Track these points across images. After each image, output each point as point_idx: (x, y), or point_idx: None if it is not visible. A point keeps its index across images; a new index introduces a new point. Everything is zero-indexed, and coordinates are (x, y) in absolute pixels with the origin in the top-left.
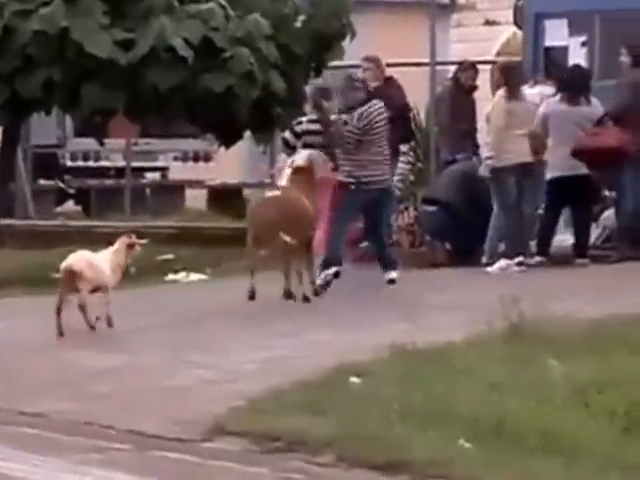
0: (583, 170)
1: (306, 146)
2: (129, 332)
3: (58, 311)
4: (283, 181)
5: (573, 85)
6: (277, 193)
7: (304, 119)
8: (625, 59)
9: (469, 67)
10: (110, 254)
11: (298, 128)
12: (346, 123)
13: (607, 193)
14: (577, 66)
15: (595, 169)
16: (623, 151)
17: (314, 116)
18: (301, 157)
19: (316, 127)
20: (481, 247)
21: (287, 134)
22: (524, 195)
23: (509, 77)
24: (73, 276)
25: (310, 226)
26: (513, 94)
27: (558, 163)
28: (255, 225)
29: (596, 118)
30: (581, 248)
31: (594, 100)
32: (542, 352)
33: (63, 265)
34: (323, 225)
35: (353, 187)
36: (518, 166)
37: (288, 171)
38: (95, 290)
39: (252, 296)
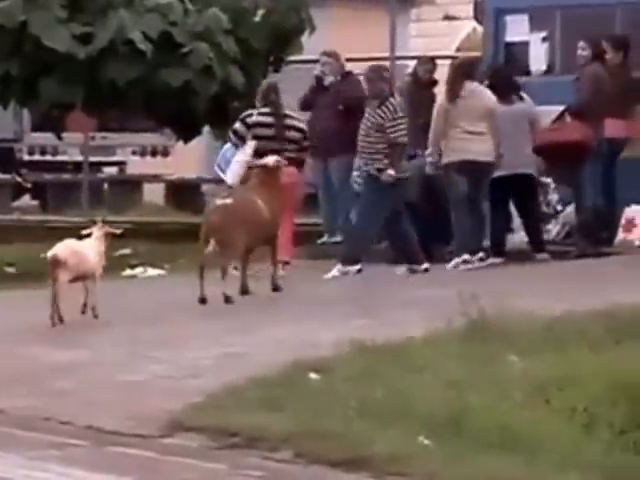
0: (523, 169)
1: (255, 138)
2: (87, 327)
3: (54, 301)
4: (234, 179)
5: (501, 85)
6: (229, 201)
7: (255, 111)
8: (584, 53)
9: (427, 61)
10: (94, 243)
11: (249, 120)
12: (393, 119)
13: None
14: (499, 66)
15: (556, 165)
16: (585, 146)
17: (266, 109)
18: (271, 158)
19: (267, 120)
20: (441, 244)
21: (237, 125)
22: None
23: (452, 75)
24: (56, 265)
25: (270, 229)
26: (453, 92)
27: (505, 160)
28: (209, 232)
29: (532, 116)
30: (537, 244)
31: (527, 98)
32: (502, 348)
33: (49, 254)
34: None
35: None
36: (463, 163)
37: (237, 167)
38: (78, 279)
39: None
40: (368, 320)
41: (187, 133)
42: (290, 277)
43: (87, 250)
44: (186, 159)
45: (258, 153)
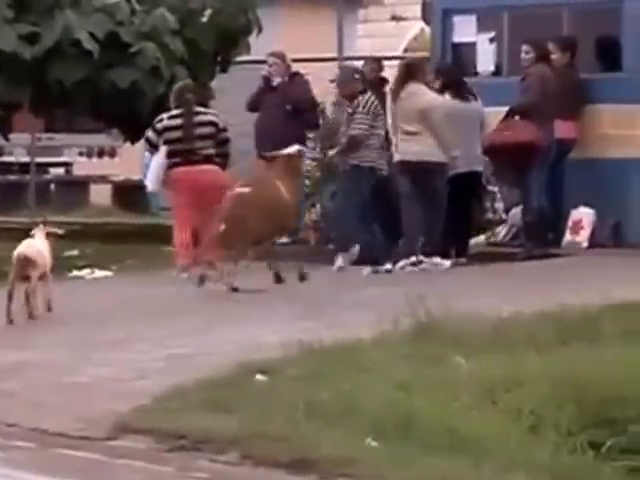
0: (477, 167)
1: (166, 142)
2: (34, 328)
3: (10, 298)
4: (152, 185)
5: (455, 84)
6: (246, 189)
7: (165, 115)
8: (528, 56)
9: (371, 60)
10: (43, 242)
11: (159, 125)
12: (352, 113)
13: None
14: (448, 65)
15: (504, 166)
16: (534, 147)
17: (176, 111)
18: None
19: (175, 122)
20: (392, 244)
21: (149, 132)
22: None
23: (397, 76)
24: (27, 263)
25: (288, 217)
26: (395, 93)
27: (461, 159)
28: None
29: (483, 116)
30: (463, 246)
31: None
32: (449, 350)
33: (16, 253)
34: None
35: (368, 171)
36: (402, 164)
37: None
38: (41, 277)
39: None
40: (316, 321)
41: (134, 134)
42: (239, 278)
43: (44, 250)
44: (133, 160)
45: (171, 155)
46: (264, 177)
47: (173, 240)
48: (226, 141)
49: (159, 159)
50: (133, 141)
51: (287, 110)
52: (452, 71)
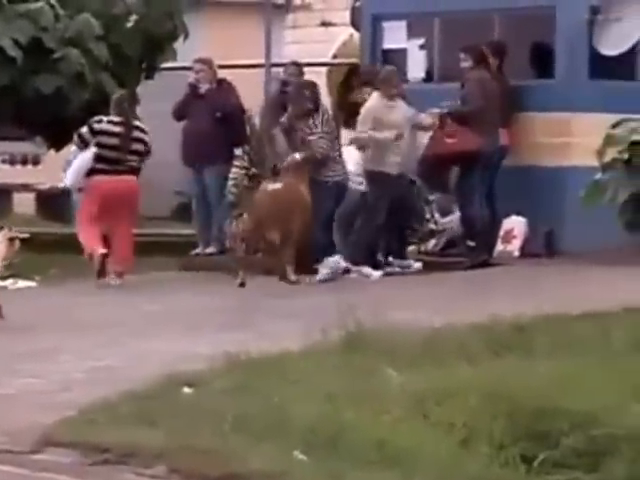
0: (412, 174)
1: (99, 145)
2: None
3: None
4: (72, 181)
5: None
6: (279, 186)
7: (105, 118)
8: (466, 63)
9: (289, 65)
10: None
11: (96, 126)
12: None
13: (432, 197)
14: (373, 65)
15: (445, 174)
16: (478, 154)
17: (117, 118)
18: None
19: (115, 129)
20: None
21: (84, 129)
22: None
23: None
24: None
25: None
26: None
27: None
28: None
29: (413, 119)
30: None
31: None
32: (379, 362)
33: None
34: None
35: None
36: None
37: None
38: None
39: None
40: (244, 332)
41: (58, 141)
42: (165, 289)
43: None
44: (57, 168)
45: (100, 159)
46: (290, 180)
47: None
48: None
49: (86, 158)
50: (58, 148)
51: (216, 118)
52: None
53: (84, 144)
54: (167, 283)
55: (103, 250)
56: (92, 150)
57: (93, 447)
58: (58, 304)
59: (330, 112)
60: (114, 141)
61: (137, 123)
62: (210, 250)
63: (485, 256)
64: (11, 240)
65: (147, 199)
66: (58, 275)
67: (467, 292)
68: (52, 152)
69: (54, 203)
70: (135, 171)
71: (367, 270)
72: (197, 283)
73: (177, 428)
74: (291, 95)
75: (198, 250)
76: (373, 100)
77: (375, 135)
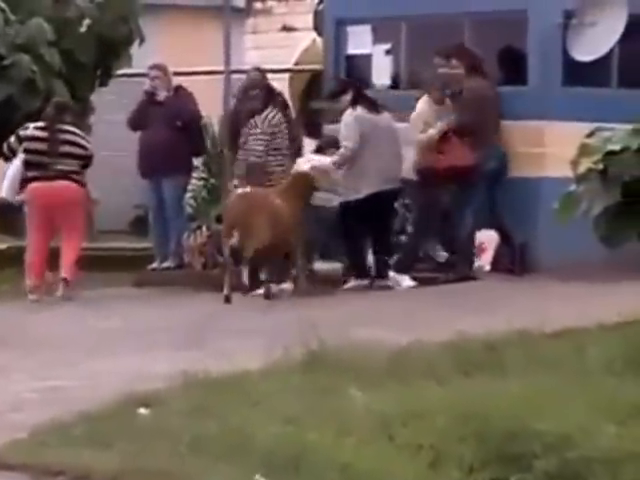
0: (396, 184)
1: (27, 151)
2: None
3: None
4: (7, 193)
5: (366, 96)
6: (248, 189)
7: (32, 125)
8: (459, 70)
9: (252, 70)
10: None
11: (22, 133)
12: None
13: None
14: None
15: (440, 188)
16: (473, 169)
17: (43, 124)
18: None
19: (41, 134)
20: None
21: (12, 138)
22: None
23: None
24: None
25: (287, 233)
26: None
27: (376, 177)
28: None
29: (395, 129)
30: (383, 268)
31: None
32: (343, 381)
33: None
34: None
35: None
36: None
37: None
38: None
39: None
40: (203, 351)
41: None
42: (120, 305)
43: None
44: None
45: (30, 166)
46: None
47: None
48: (87, 166)
49: (15, 166)
50: (7, 158)
51: (174, 127)
52: (359, 83)
53: (12, 153)
54: (122, 299)
55: (30, 282)
56: (20, 157)
57: (45, 470)
58: (8, 321)
59: (280, 115)
60: (41, 146)
61: (67, 127)
62: (167, 264)
63: (468, 271)
64: None
65: (103, 212)
66: (7, 291)
67: (436, 308)
68: (1, 161)
69: (4, 215)
70: (70, 175)
71: (403, 279)
72: (153, 299)
73: (133, 450)
74: (237, 95)
75: (155, 265)
76: (423, 104)
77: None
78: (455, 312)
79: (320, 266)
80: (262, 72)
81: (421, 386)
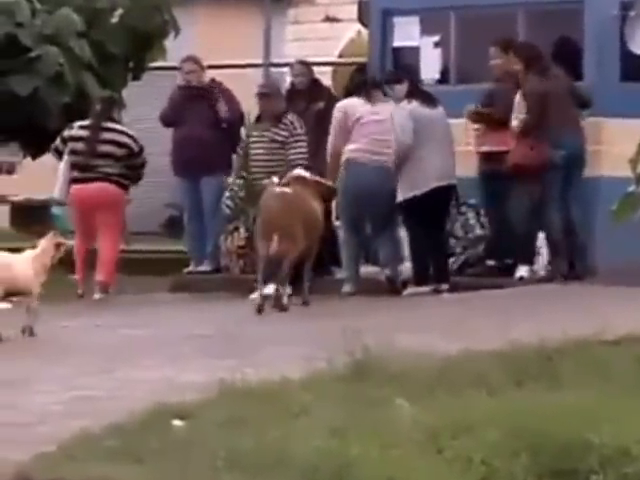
0: (452, 180)
1: (71, 152)
2: None
3: None
4: (58, 194)
5: (420, 89)
6: (286, 190)
7: (77, 124)
8: (517, 66)
9: (295, 64)
10: (34, 256)
11: (65, 133)
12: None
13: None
14: (410, 68)
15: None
16: (536, 167)
17: (86, 122)
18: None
19: (81, 133)
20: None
21: (57, 140)
22: None
23: None
24: None
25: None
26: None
27: (434, 172)
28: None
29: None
30: (442, 272)
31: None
32: (389, 391)
33: None
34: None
35: None
36: None
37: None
38: (12, 294)
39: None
40: (240, 359)
41: (35, 148)
42: (153, 311)
43: (21, 264)
44: (34, 177)
45: (73, 167)
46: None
47: None
48: (140, 166)
49: (61, 167)
50: (34, 156)
51: (214, 122)
52: (416, 76)
53: (58, 154)
54: (155, 305)
55: (76, 275)
56: (65, 158)
57: None
58: (36, 327)
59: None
60: (81, 146)
61: (110, 125)
62: (203, 268)
63: (565, 269)
64: (57, 246)
65: (133, 213)
66: (48, 295)
67: (486, 315)
68: (28, 160)
69: (31, 216)
70: (110, 177)
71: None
72: (188, 305)
73: (166, 464)
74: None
75: (190, 268)
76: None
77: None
78: (507, 318)
79: (367, 270)
80: (307, 65)
81: (471, 397)
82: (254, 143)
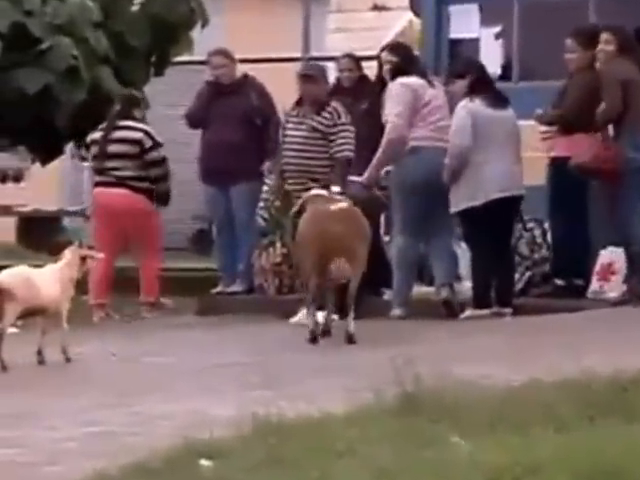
0: (519, 191)
1: (92, 158)
2: None
3: None
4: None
5: (485, 85)
6: (344, 205)
7: (100, 127)
8: (609, 47)
9: (342, 57)
10: (59, 269)
11: (88, 138)
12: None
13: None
14: (476, 61)
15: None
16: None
17: (103, 124)
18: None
19: (96, 136)
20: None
21: (83, 149)
22: None
23: None
24: (1, 295)
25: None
26: None
27: (496, 181)
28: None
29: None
30: (506, 294)
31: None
32: (444, 427)
33: None
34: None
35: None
36: None
37: None
38: (35, 313)
39: (314, 338)
40: (275, 390)
41: (46, 153)
42: (178, 336)
43: (45, 280)
44: (44, 186)
45: (95, 173)
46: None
47: None
48: (157, 162)
49: (86, 177)
50: (44, 161)
51: (246, 123)
52: (482, 69)
53: (84, 161)
54: (181, 329)
55: (95, 300)
56: (87, 164)
57: None
58: (47, 354)
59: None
60: (95, 150)
61: (124, 123)
62: (234, 288)
63: None
64: (83, 259)
65: None
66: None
67: (554, 341)
68: (38, 166)
69: (40, 229)
70: (124, 181)
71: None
72: (218, 329)
73: None
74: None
75: (219, 288)
76: None
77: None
78: (577, 345)
79: (419, 290)
80: (356, 59)
81: (537, 434)
82: (290, 130)
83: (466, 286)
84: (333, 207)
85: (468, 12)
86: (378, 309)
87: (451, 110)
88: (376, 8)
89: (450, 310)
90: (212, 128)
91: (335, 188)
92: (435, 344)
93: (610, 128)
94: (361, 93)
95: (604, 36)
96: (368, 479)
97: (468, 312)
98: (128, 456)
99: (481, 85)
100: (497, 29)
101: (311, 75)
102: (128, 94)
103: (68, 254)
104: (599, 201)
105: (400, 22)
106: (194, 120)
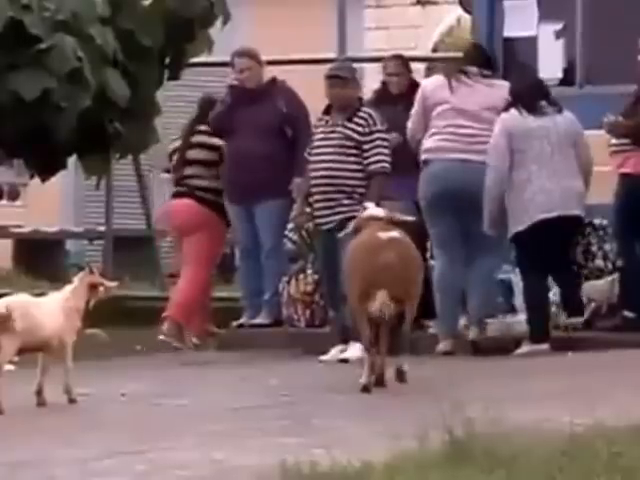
0: (571, 210)
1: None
2: None
3: None
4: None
5: (533, 90)
6: (396, 234)
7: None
8: None
9: (389, 59)
10: (64, 298)
11: (170, 147)
12: (369, 133)
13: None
14: (524, 65)
15: None
16: None
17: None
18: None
19: (176, 144)
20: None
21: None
22: None
23: None
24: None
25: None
26: None
27: (539, 201)
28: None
29: (575, 135)
30: (571, 302)
31: (567, 113)
32: (497, 478)
33: None
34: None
35: None
36: None
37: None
38: (35, 348)
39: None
40: (306, 436)
41: (46, 167)
42: (196, 374)
43: (47, 310)
44: (44, 204)
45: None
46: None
47: None
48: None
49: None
50: (44, 177)
51: (274, 133)
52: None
53: (169, 173)
54: (199, 366)
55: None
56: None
57: None
58: (53, 392)
59: None
60: (175, 158)
61: (203, 127)
62: (259, 320)
63: None
64: (93, 287)
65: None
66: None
67: (623, 380)
68: (36, 182)
69: (39, 253)
70: (195, 192)
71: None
72: (241, 366)
73: None
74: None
75: (243, 320)
76: None
77: None
78: None
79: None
80: (406, 62)
81: None
82: (319, 141)
83: (521, 318)
84: (383, 236)
85: (525, 7)
86: (422, 344)
87: None
88: (419, 3)
89: (479, 352)
90: (236, 139)
91: (369, 205)
92: (487, 384)
93: None
94: (409, 102)
95: None
96: None
97: (524, 347)
98: None
99: (520, 91)
100: (558, 26)
101: (340, 76)
102: (207, 97)
103: (76, 281)
104: None
105: (448, 19)
106: (219, 125)
